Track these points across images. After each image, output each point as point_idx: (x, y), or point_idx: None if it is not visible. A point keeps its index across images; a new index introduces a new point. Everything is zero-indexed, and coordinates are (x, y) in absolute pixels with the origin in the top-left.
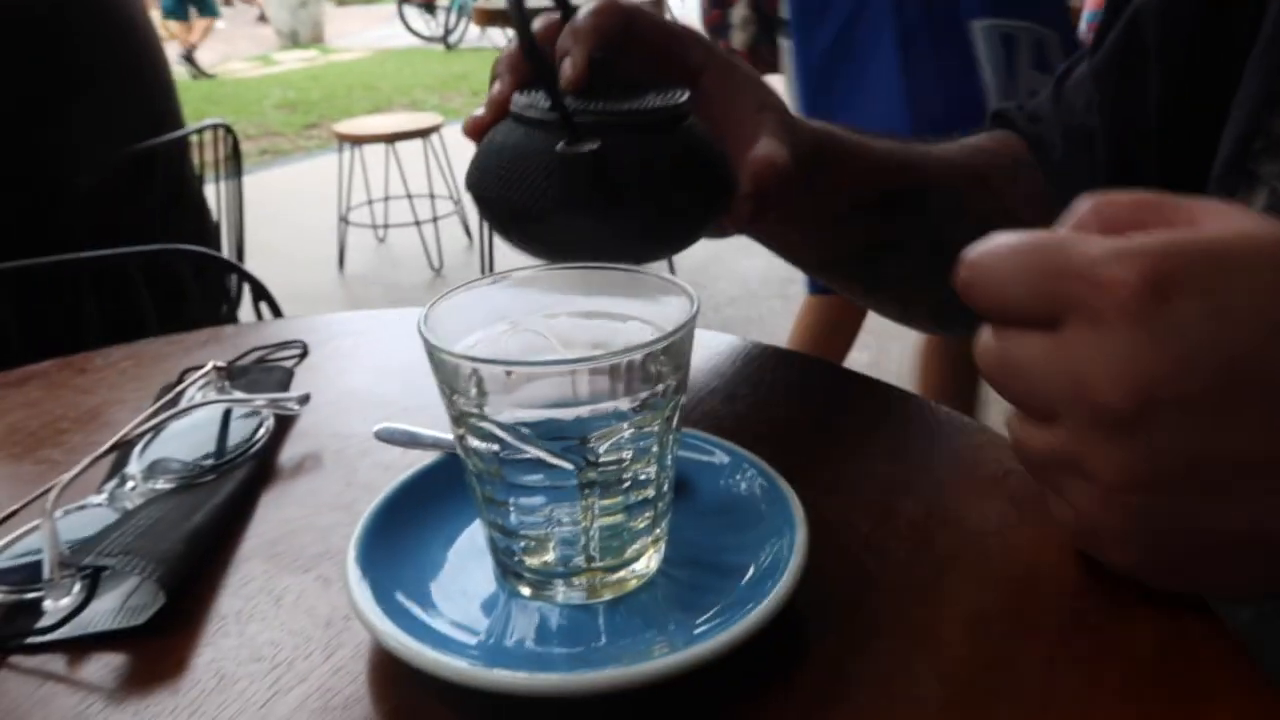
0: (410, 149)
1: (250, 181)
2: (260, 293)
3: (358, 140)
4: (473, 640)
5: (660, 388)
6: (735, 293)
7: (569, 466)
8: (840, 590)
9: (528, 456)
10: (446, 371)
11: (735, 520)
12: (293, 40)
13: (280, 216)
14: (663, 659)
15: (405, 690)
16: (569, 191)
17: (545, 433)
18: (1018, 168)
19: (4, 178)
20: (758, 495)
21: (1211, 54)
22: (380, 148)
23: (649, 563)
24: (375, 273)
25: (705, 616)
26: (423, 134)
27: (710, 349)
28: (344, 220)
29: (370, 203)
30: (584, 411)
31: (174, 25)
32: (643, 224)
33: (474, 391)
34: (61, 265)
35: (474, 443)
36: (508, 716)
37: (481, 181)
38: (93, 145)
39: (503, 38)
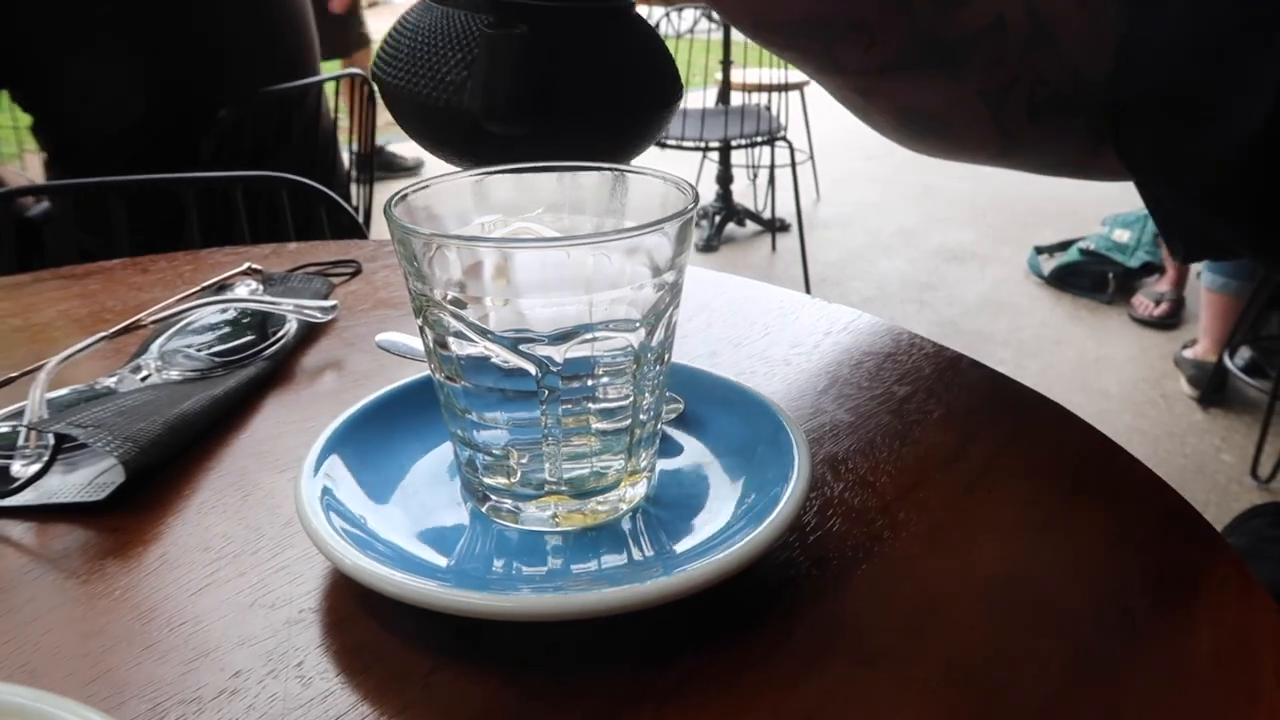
0: None
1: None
2: (353, 226)
3: None
4: (420, 554)
5: (643, 295)
6: (871, 294)
7: (531, 371)
8: (844, 554)
9: (488, 360)
10: (408, 249)
11: (736, 467)
12: None
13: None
14: (615, 593)
15: (339, 600)
16: (489, 85)
17: (511, 330)
18: None
19: (160, 106)
20: (767, 440)
21: None
22: None
23: (622, 497)
24: None
25: (671, 558)
26: None
27: (777, 305)
28: None
29: None
30: (550, 310)
31: None
32: (575, 132)
33: (439, 274)
34: (170, 182)
35: (435, 337)
36: (441, 638)
37: (387, 69)
38: (236, 84)
39: None
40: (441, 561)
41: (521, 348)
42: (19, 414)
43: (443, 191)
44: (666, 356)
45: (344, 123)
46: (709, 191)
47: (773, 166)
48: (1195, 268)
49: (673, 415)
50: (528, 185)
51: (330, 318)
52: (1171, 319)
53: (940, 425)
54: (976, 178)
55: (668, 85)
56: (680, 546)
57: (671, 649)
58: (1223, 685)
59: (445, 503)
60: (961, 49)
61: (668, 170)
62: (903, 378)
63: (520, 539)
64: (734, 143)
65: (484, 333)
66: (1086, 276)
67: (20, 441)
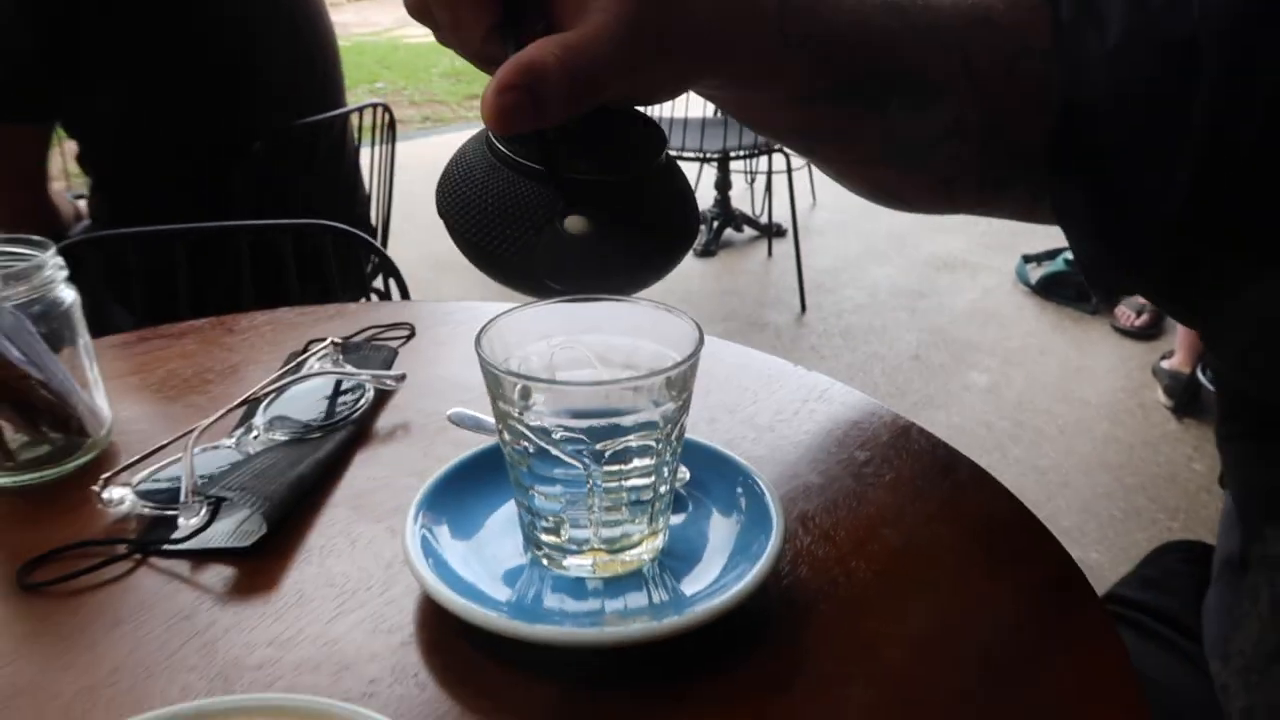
0: None
1: (408, 148)
2: (390, 270)
3: None
4: (495, 594)
5: (661, 410)
6: (862, 300)
7: (578, 467)
8: (809, 596)
9: (549, 454)
10: (492, 380)
11: (729, 523)
12: None
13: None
14: (637, 628)
15: (436, 625)
16: (558, 262)
17: (565, 436)
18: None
19: (193, 143)
20: (751, 504)
21: None
22: None
23: (645, 551)
24: None
25: (681, 600)
26: None
27: (765, 373)
28: None
29: None
30: (597, 422)
31: None
32: (624, 282)
33: (515, 397)
34: (225, 230)
35: (509, 437)
36: (512, 656)
37: (460, 220)
38: (269, 115)
39: None
40: (505, 597)
41: (572, 448)
42: (168, 470)
43: (511, 322)
44: (679, 447)
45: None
46: (708, 197)
47: (770, 173)
48: None
49: (681, 482)
50: (579, 313)
51: (400, 385)
52: (1152, 330)
53: (890, 487)
54: None
55: (694, 224)
56: (688, 590)
57: (675, 671)
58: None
59: (510, 552)
60: (924, 148)
61: None
62: (864, 444)
63: (566, 582)
64: (732, 153)
65: (546, 435)
66: (1071, 286)
67: (182, 498)
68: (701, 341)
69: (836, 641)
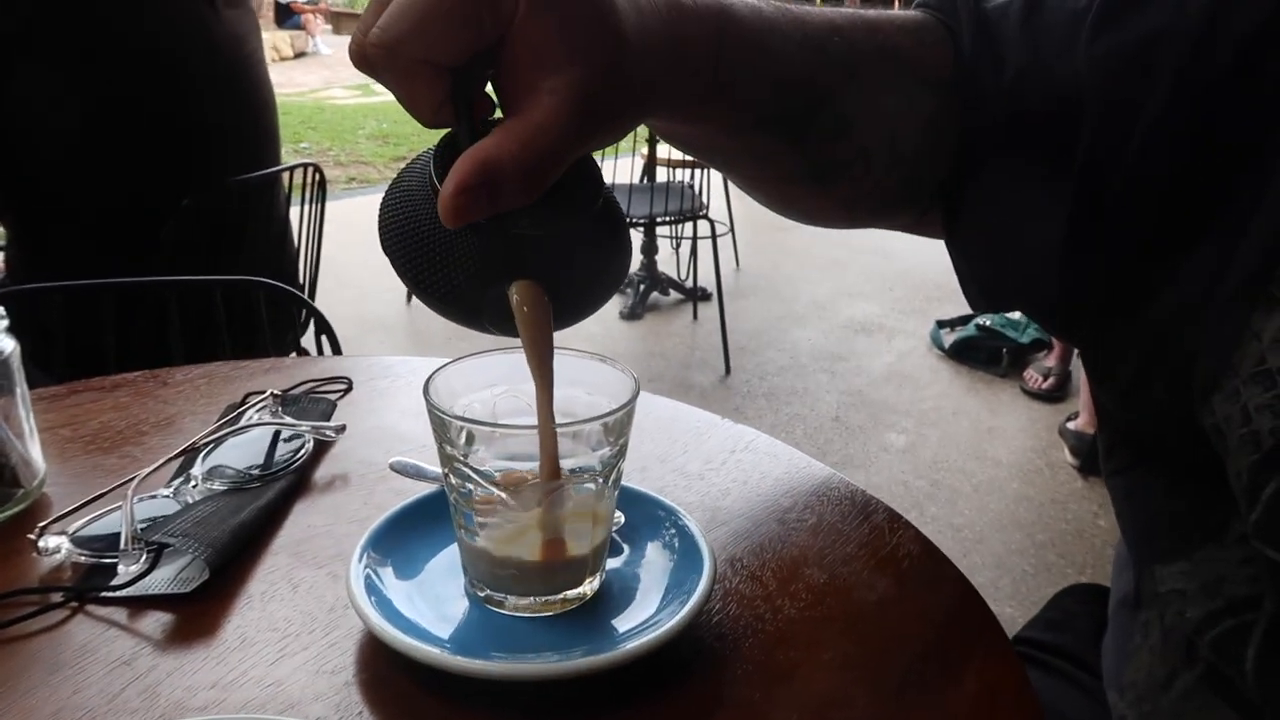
0: None
1: (334, 208)
2: (322, 327)
3: None
4: (437, 631)
5: (599, 455)
6: (784, 362)
7: (519, 508)
8: (737, 630)
9: (490, 495)
10: (439, 425)
11: (663, 564)
12: None
13: (359, 244)
14: (576, 662)
15: (379, 664)
16: (503, 314)
17: (499, 487)
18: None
19: (126, 196)
20: (684, 546)
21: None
22: None
23: (584, 590)
24: None
25: (617, 636)
26: None
27: (694, 425)
28: None
29: None
30: (537, 466)
31: None
32: (565, 323)
33: (460, 442)
34: (156, 284)
35: (455, 480)
36: (455, 692)
37: (407, 262)
38: (201, 173)
39: None
40: (447, 634)
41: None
42: (105, 519)
43: (456, 371)
44: (616, 492)
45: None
46: (634, 261)
47: (695, 238)
48: None
49: (617, 526)
50: (520, 364)
51: (340, 436)
52: (1058, 392)
53: (812, 530)
54: (884, 253)
55: (628, 261)
56: (624, 626)
57: (612, 702)
58: None
59: (453, 592)
60: (834, 171)
61: None
62: (788, 491)
63: (507, 620)
64: (659, 219)
65: (490, 480)
66: (983, 350)
67: (123, 545)
68: (638, 390)
69: (762, 672)
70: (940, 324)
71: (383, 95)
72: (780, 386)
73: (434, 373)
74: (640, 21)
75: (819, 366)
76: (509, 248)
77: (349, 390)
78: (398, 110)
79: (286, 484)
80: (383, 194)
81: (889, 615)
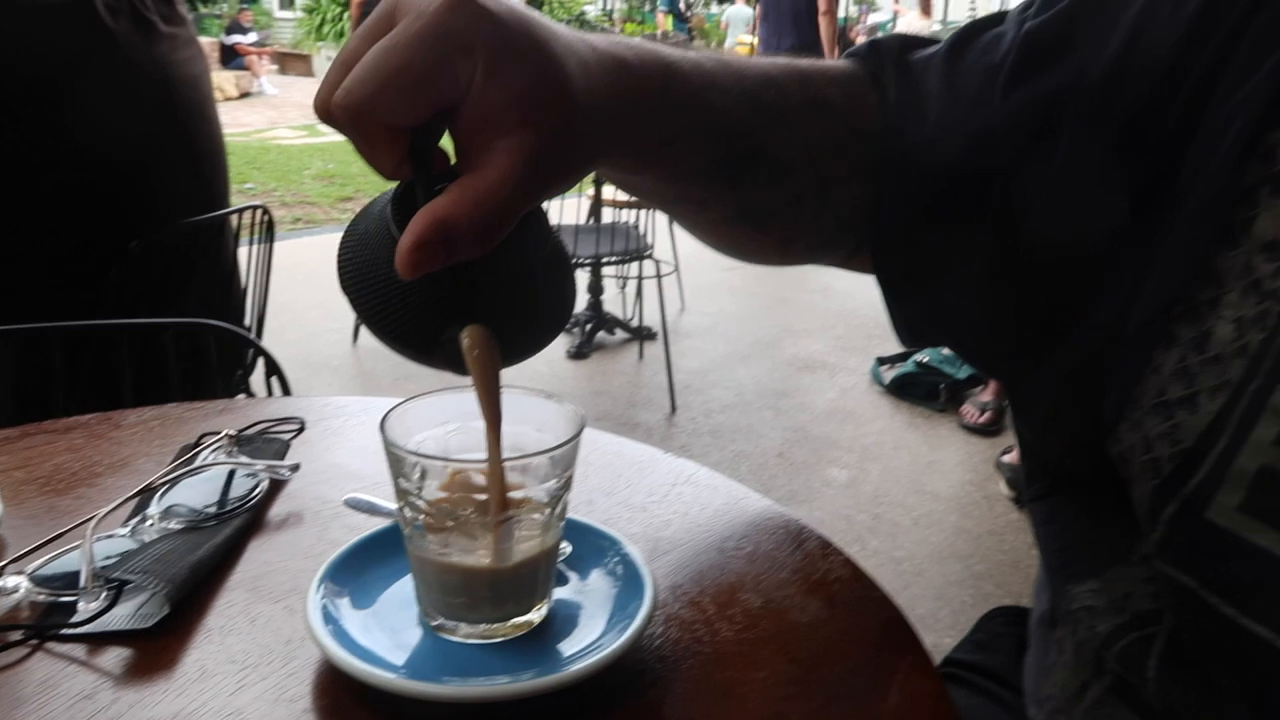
0: None
1: (281, 248)
2: (273, 369)
3: None
4: (392, 659)
5: (546, 487)
6: (729, 400)
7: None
8: (678, 652)
9: (442, 527)
10: (395, 460)
11: (607, 591)
12: None
13: (305, 285)
14: (525, 684)
15: (338, 693)
16: (457, 356)
17: (458, 514)
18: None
19: (76, 238)
20: (627, 574)
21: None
22: None
23: (532, 617)
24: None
25: (564, 659)
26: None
27: (637, 460)
28: None
29: None
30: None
31: None
32: (514, 361)
33: (415, 476)
34: (106, 328)
35: (410, 514)
36: (410, 716)
37: (365, 304)
38: (151, 215)
39: None
40: (402, 661)
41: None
42: (63, 558)
43: (411, 409)
44: (562, 523)
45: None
46: (581, 301)
47: (640, 278)
48: None
49: (564, 556)
50: (471, 403)
51: (294, 475)
52: (994, 426)
53: (749, 558)
54: (827, 291)
55: (573, 303)
56: (570, 650)
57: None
58: None
59: (408, 622)
60: (769, 215)
61: None
62: (726, 522)
63: (460, 646)
64: (605, 259)
65: (443, 513)
66: (922, 386)
67: (82, 583)
68: (583, 425)
69: (701, 690)
70: (881, 361)
71: (329, 135)
72: (725, 424)
73: (389, 411)
74: (588, 83)
75: (763, 404)
76: (461, 294)
77: (301, 430)
78: (344, 150)
79: (242, 522)
80: (338, 236)
81: (819, 636)
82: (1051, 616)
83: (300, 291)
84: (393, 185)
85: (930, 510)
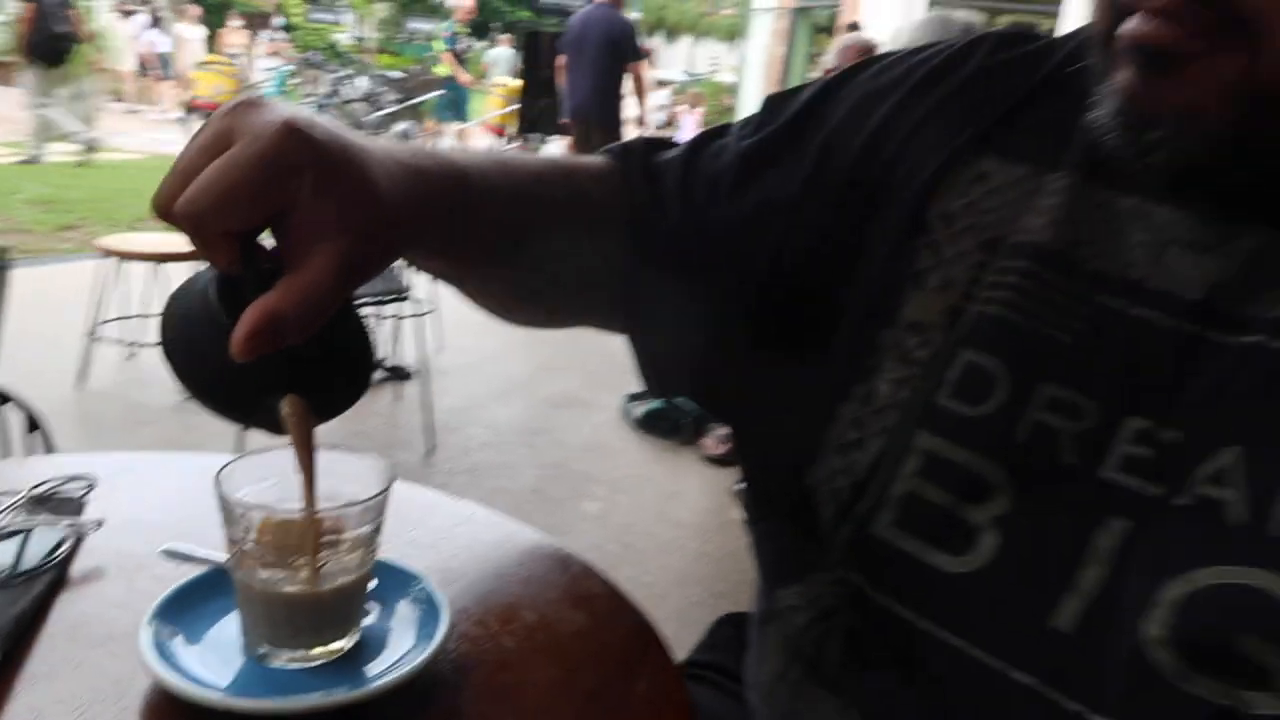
0: (177, 266)
1: None
2: (34, 424)
3: (125, 256)
4: (219, 681)
5: (358, 533)
6: (487, 438)
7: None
8: (468, 664)
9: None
10: (228, 511)
11: (408, 617)
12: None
13: (18, 321)
14: (340, 697)
15: (173, 718)
16: (276, 419)
17: (281, 555)
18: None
19: None
20: (424, 602)
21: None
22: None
23: (344, 643)
24: (119, 389)
25: (372, 676)
26: (195, 257)
27: (423, 503)
28: (93, 336)
29: (122, 319)
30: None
31: None
32: (326, 420)
33: (243, 524)
34: None
35: (238, 556)
36: None
37: (191, 374)
38: None
39: None
40: (228, 682)
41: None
42: None
43: (239, 468)
44: (372, 562)
45: None
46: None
47: (398, 318)
48: None
49: (371, 587)
50: (289, 462)
51: (98, 529)
52: (731, 457)
53: (525, 582)
54: (580, 331)
55: (374, 365)
56: (378, 668)
57: None
58: None
59: (234, 653)
60: (539, 293)
61: None
62: (505, 553)
63: (281, 672)
64: (362, 299)
65: (267, 555)
66: (667, 421)
67: None
68: (393, 478)
69: (488, 693)
70: (630, 397)
71: (47, 156)
72: (483, 462)
73: (222, 469)
74: (393, 193)
75: (520, 441)
76: (280, 369)
77: (92, 488)
78: (61, 172)
79: (52, 577)
80: (61, 268)
81: (582, 643)
82: (764, 617)
83: (12, 328)
84: (172, 231)
85: (674, 537)
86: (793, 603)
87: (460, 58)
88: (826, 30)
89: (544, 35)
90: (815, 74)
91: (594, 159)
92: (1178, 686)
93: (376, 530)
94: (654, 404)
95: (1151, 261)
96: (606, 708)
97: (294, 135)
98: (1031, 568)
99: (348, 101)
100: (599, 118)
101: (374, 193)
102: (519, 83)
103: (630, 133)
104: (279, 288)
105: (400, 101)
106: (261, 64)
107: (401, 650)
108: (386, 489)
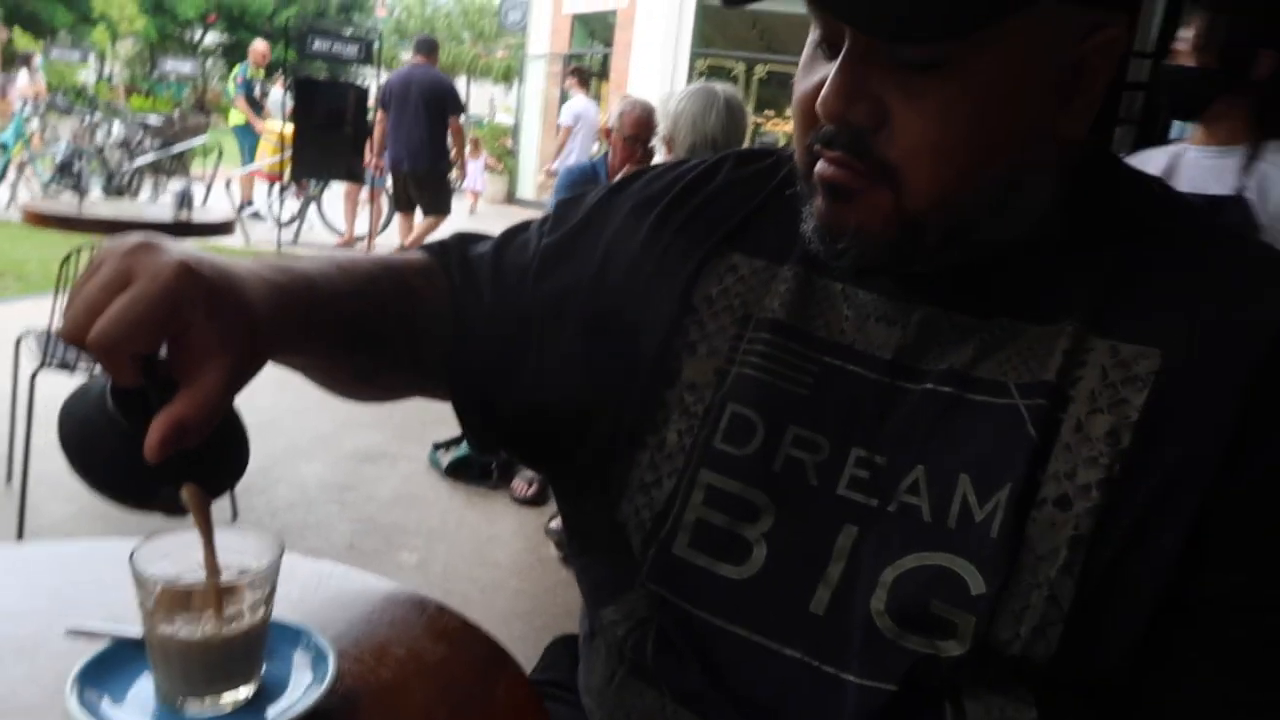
0: None
1: None
2: None
3: None
4: None
5: (254, 597)
6: (294, 498)
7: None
8: (354, 695)
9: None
10: (140, 584)
11: (301, 663)
12: None
13: None
14: None
15: None
16: (175, 504)
17: (190, 617)
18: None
19: None
20: (314, 650)
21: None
22: None
23: (247, 692)
24: None
25: (272, 716)
26: None
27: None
28: None
29: None
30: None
31: None
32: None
33: (155, 594)
34: None
35: (149, 623)
36: None
37: (93, 472)
38: None
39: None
40: None
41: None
42: None
43: (150, 548)
44: (267, 620)
45: None
46: None
47: None
48: None
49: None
50: (191, 541)
51: None
52: (541, 497)
53: (390, 624)
54: None
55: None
56: (277, 709)
57: None
58: None
59: (147, 703)
60: (378, 374)
61: None
62: (371, 601)
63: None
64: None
65: (176, 619)
66: (475, 467)
67: None
68: (282, 550)
69: (376, 716)
70: (437, 446)
71: None
72: (292, 522)
73: (135, 549)
74: (264, 312)
75: (329, 498)
76: (180, 463)
77: None
78: None
79: None
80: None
81: (447, 668)
82: (591, 633)
83: None
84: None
85: (494, 579)
86: (613, 618)
87: (255, 103)
88: (599, 75)
89: (316, 82)
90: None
91: (416, 255)
92: (896, 643)
93: (272, 592)
94: (460, 452)
95: (857, 330)
96: (474, 713)
97: (187, 274)
98: (792, 569)
99: (101, 150)
100: (426, 169)
101: (251, 314)
102: (290, 128)
103: (453, 179)
104: (180, 399)
105: (162, 149)
106: (19, 105)
107: (299, 692)
108: (278, 559)
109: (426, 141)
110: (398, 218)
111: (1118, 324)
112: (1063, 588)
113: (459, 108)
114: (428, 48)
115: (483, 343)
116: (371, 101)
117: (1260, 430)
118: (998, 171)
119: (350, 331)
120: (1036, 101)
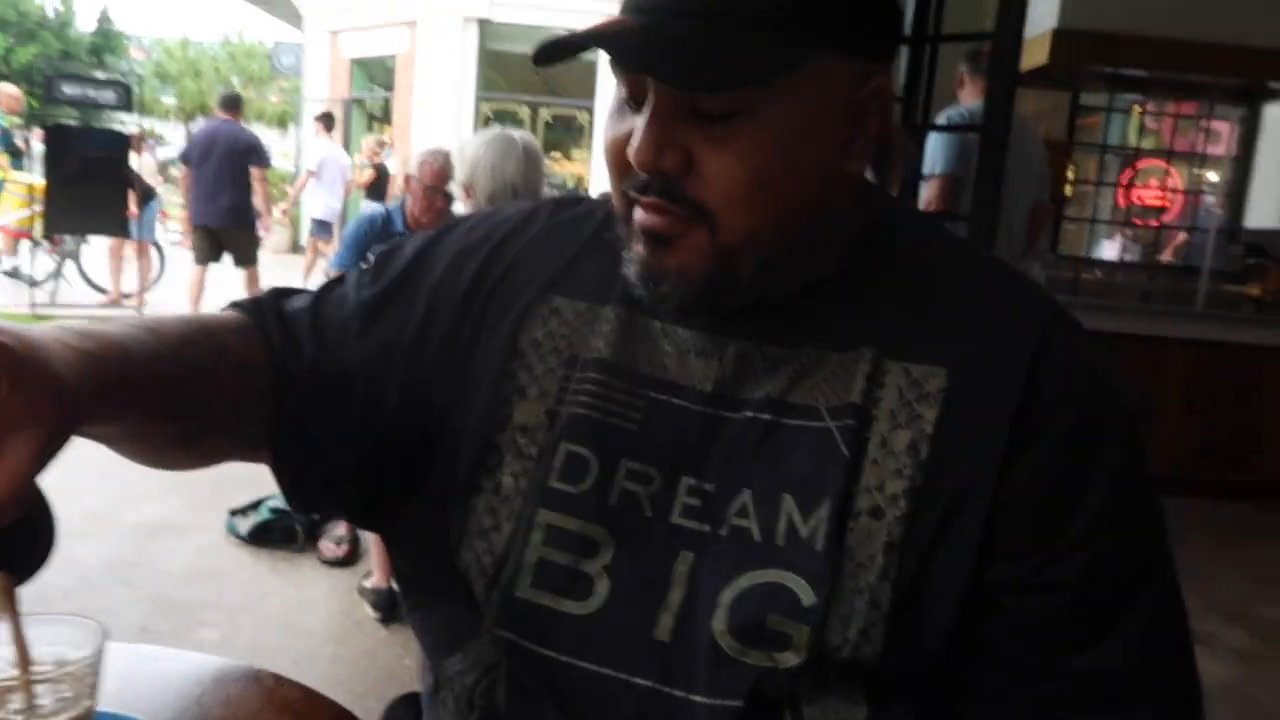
0: None
1: None
2: None
3: None
4: None
5: (69, 697)
6: (71, 584)
7: None
8: None
9: None
10: None
11: None
12: None
13: None
14: None
15: None
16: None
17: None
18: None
19: None
20: None
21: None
22: None
23: None
24: None
25: None
26: None
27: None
28: None
29: None
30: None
31: None
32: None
33: None
34: None
35: None
36: None
37: None
38: None
39: None
40: None
41: None
42: None
43: None
44: (94, 710)
45: None
46: None
47: None
48: None
49: None
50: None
51: None
52: (351, 558)
53: (224, 703)
54: None
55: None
56: None
57: None
58: None
59: None
60: (195, 438)
61: None
62: (201, 677)
63: None
64: None
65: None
66: (279, 530)
67: None
68: (105, 636)
69: None
70: (233, 512)
71: None
72: (76, 610)
73: None
74: (72, 381)
75: (115, 579)
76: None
77: None
78: None
79: None
80: None
81: None
82: (435, 686)
83: None
84: None
85: (307, 647)
86: (460, 667)
87: (18, 152)
88: (382, 119)
89: (70, 129)
90: (382, 159)
91: (229, 314)
92: (739, 660)
93: (98, 681)
94: (262, 515)
95: (678, 365)
96: None
97: None
98: (635, 599)
99: None
100: (234, 221)
101: (58, 385)
102: (42, 181)
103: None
104: None
105: None
106: None
107: None
108: (101, 647)
109: (231, 195)
110: (195, 271)
111: (908, 348)
112: (881, 592)
113: (263, 159)
114: (231, 103)
115: (305, 400)
116: (136, 151)
117: (1028, 434)
118: (800, 208)
119: (167, 396)
120: (825, 142)
